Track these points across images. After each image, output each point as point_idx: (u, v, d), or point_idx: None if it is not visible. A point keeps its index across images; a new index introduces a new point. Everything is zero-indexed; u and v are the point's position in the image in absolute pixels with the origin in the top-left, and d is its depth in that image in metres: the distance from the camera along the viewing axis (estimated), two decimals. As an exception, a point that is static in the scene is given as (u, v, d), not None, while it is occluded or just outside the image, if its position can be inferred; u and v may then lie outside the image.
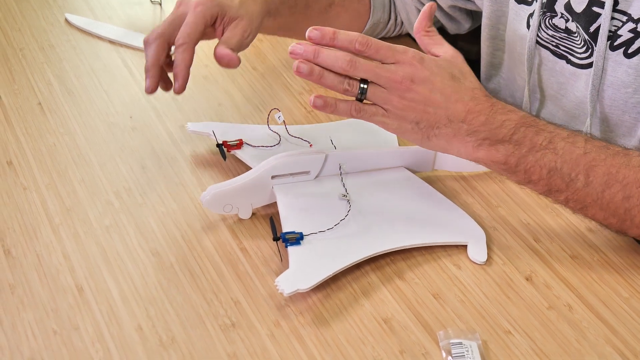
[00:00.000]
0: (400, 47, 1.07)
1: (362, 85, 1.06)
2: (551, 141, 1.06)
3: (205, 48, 1.49)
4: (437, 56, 1.11)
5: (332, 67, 1.05)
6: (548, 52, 1.27)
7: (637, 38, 1.15)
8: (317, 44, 1.05)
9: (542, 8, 1.25)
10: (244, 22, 1.21)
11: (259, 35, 1.52)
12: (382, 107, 1.07)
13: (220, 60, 1.17)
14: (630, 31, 1.15)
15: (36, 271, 1.06)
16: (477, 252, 1.10)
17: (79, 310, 1.01)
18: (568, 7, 1.22)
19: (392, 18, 1.51)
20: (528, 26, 1.28)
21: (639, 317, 1.03)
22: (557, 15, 1.23)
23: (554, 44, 1.25)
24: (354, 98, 1.07)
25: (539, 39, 1.27)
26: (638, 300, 1.05)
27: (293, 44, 1.05)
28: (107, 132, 1.29)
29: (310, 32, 1.05)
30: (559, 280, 1.08)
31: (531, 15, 1.27)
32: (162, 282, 1.05)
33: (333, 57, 1.04)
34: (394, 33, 1.54)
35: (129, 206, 1.16)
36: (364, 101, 1.08)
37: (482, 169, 1.22)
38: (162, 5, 1.62)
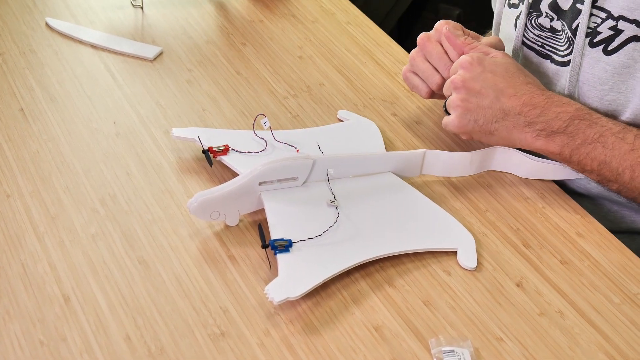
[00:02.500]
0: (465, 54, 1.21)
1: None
2: (602, 135, 1.14)
3: (188, 52, 1.48)
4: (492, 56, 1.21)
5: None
6: (533, 53, 1.28)
7: (617, 35, 1.16)
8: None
9: (528, 8, 1.26)
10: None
11: (242, 39, 1.52)
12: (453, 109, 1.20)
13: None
14: (610, 28, 1.16)
15: (21, 281, 1.04)
16: (467, 258, 1.09)
17: (66, 320, 1.00)
18: (553, 6, 1.23)
19: None
20: (516, 28, 1.29)
21: (631, 323, 1.03)
22: (542, 15, 1.25)
23: (539, 43, 1.26)
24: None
25: (525, 40, 1.28)
26: (629, 306, 1.05)
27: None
28: (91, 138, 1.27)
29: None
30: (550, 286, 1.07)
31: (518, 17, 1.28)
32: (150, 290, 1.04)
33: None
34: None
35: (115, 213, 1.14)
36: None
37: (469, 173, 1.22)
38: (144, 9, 1.60)
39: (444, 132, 1.32)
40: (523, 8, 1.27)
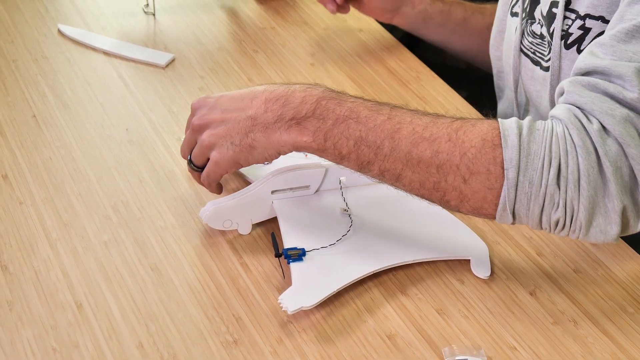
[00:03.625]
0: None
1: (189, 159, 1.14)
2: (353, 110, 1.04)
3: (200, 59, 1.49)
4: None
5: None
6: (528, 60, 1.28)
7: (587, 34, 1.15)
8: None
9: (524, 16, 1.26)
10: None
11: (254, 46, 1.52)
12: (208, 158, 1.10)
13: None
14: (579, 28, 1.16)
15: (34, 287, 1.04)
16: (481, 267, 1.09)
17: (79, 327, 1.00)
18: (541, 12, 1.23)
19: None
20: None
21: (645, 332, 1.03)
22: (535, 22, 1.24)
23: (532, 50, 1.26)
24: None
25: (522, 47, 1.28)
26: (644, 315, 1.05)
27: None
28: (104, 145, 1.27)
29: None
30: (564, 295, 1.07)
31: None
32: (163, 298, 1.04)
33: None
34: None
35: (127, 221, 1.14)
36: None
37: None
38: (156, 15, 1.60)
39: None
40: (520, 15, 1.27)
